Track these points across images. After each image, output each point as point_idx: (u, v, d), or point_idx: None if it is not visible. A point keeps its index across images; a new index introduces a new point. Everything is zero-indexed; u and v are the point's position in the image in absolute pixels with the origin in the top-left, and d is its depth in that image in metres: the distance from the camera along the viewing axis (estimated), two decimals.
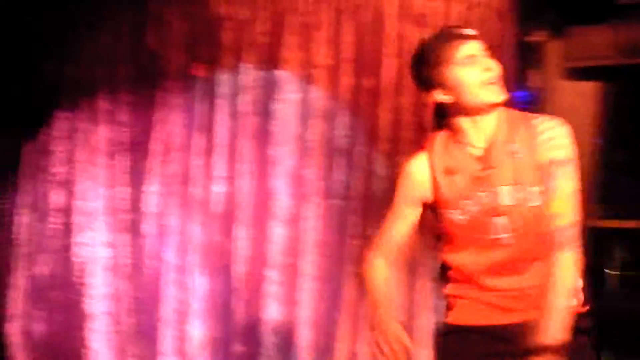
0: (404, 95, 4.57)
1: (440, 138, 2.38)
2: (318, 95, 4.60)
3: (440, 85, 2.29)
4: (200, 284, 4.52)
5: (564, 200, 2.15)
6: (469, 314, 2.32)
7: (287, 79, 4.60)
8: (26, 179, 4.62)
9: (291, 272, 4.49)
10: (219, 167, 4.56)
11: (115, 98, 4.57)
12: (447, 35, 2.30)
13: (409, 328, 4.45)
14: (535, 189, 2.19)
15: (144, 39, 4.61)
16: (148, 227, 4.52)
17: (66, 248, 4.52)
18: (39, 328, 4.48)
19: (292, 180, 4.55)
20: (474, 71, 2.24)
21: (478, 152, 2.26)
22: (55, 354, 4.46)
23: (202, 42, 4.62)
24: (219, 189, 4.55)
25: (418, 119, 4.57)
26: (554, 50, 4.77)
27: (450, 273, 2.38)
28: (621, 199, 4.68)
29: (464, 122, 2.30)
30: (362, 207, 4.52)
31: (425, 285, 4.47)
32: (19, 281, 4.57)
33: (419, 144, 4.36)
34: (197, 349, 4.48)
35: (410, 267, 4.45)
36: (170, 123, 4.58)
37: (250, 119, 4.58)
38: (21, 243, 4.59)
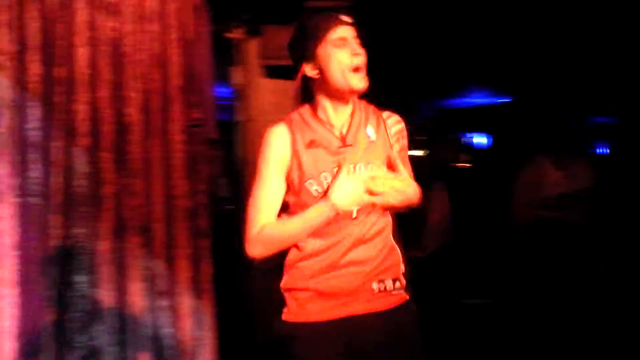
0: (100, 89, 4.38)
1: (300, 113, 2.53)
2: (4, 85, 4.20)
3: (311, 59, 2.47)
4: None
5: (409, 180, 2.41)
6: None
7: None
8: None
9: None
10: None
11: None
12: (326, 16, 2.45)
13: (122, 329, 4.32)
14: (383, 169, 2.40)
15: None
16: None
17: None
18: None
19: None
20: (344, 53, 2.44)
21: (336, 131, 2.46)
22: None
23: None
24: None
25: (116, 113, 4.41)
26: (252, 48, 4.91)
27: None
28: None
29: (326, 101, 2.50)
30: (62, 205, 4.23)
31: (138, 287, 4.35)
32: None
33: (119, 138, 4.34)
34: None
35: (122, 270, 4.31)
36: None
37: None
38: None
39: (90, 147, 4.33)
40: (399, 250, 2.55)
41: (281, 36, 4.73)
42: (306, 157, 2.44)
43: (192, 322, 4.53)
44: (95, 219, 4.32)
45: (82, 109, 4.32)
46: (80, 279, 4.28)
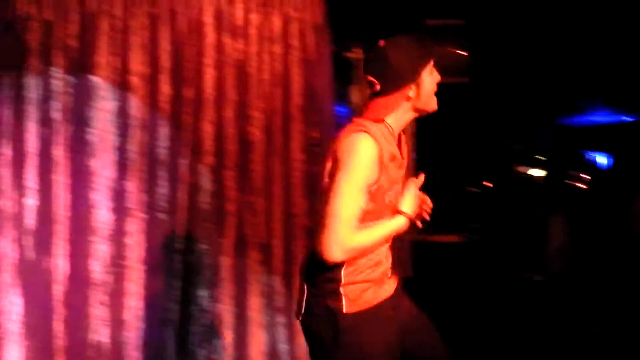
0: (225, 108, 4.51)
1: (374, 126, 2.60)
2: (136, 104, 4.40)
3: (415, 83, 2.62)
4: (15, 305, 4.16)
5: None
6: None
7: (102, 86, 4.36)
8: None
9: (115, 290, 4.26)
10: (31, 178, 4.22)
11: None
12: (425, 41, 2.66)
13: (242, 344, 4.42)
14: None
15: None
16: None
17: None
18: None
19: (112, 193, 4.32)
20: (433, 81, 2.67)
21: (395, 146, 2.70)
22: None
23: (5, 44, 4.24)
24: (31, 201, 4.20)
25: (240, 132, 4.53)
26: None
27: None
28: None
29: (399, 118, 2.68)
30: (187, 221, 4.38)
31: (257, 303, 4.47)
32: None
33: (242, 157, 4.46)
34: None
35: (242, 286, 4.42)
36: None
37: (63, 126, 4.28)
38: None
39: (215, 165, 4.47)
40: None
41: None
42: (389, 169, 2.60)
43: None
44: (218, 235, 4.46)
45: (208, 128, 4.47)
46: (202, 293, 4.42)
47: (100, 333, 4.24)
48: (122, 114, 4.37)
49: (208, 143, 4.46)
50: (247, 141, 4.54)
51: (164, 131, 4.42)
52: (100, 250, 4.28)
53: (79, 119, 4.31)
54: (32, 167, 4.23)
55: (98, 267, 4.27)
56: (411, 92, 2.63)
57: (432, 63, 2.65)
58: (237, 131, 4.52)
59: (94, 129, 4.30)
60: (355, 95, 5.04)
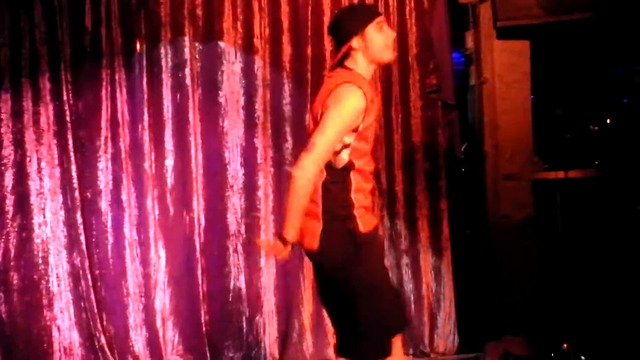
0: None
1: (356, 75, 3.05)
2: (260, 65, 4.66)
3: (359, 35, 3.06)
4: (161, 257, 4.58)
5: None
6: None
7: (228, 50, 4.64)
8: None
9: (250, 240, 4.61)
10: (168, 140, 4.58)
11: (57, 77, 4.45)
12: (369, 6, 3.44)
13: None
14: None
15: (81, 16, 4.49)
16: (103, 203, 4.52)
17: (23, 229, 4.45)
18: (3, 309, 4.44)
19: (243, 150, 4.63)
20: (385, 36, 3.10)
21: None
22: (21, 333, 4.43)
23: (139, 17, 4.57)
24: (170, 162, 4.58)
25: None
26: (485, 12, 4.97)
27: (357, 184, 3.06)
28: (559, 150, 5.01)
29: (368, 67, 3.11)
30: None
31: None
32: None
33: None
34: (162, 321, 4.56)
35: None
36: (116, 99, 4.52)
37: (195, 91, 4.60)
38: None
39: None
40: None
41: None
42: (371, 110, 3.02)
43: (432, 279, 4.83)
44: None
45: None
46: None
47: (238, 279, 4.63)
48: (249, 75, 4.64)
49: None
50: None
51: (287, 89, 4.68)
52: (235, 203, 4.63)
53: (209, 83, 4.62)
54: (169, 131, 4.58)
55: (233, 219, 4.62)
56: (355, 43, 3.06)
57: (380, 22, 3.10)
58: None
59: (223, 91, 4.61)
60: (470, 40, 5.08)
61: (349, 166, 3.00)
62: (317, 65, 4.69)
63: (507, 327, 4.81)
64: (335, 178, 3.00)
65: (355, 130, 2.96)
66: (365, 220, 3.03)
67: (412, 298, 4.80)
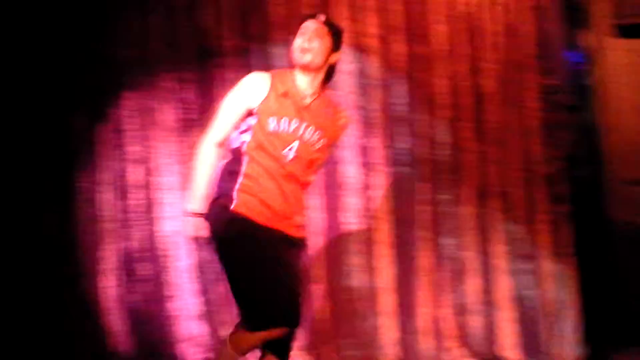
0: (458, 62, 4.64)
1: (286, 72, 3.21)
2: (373, 65, 4.64)
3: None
4: None
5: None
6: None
7: (342, 50, 4.61)
8: (103, 157, 4.63)
9: (367, 239, 4.54)
10: None
11: (178, 76, 4.58)
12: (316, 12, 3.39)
13: (487, 290, 4.56)
14: (321, 142, 3.13)
15: (196, 17, 4.63)
16: None
17: (148, 222, 4.56)
18: (129, 299, 4.53)
19: (358, 150, 4.60)
20: (298, 40, 3.24)
21: (305, 97, 3.15)
22: (146, 324, 4.50)
23: (252, 17, 4.64)
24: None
25: (474, 85, 4.63)
26: (602, 9, 4.84)
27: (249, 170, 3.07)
28: None
29: (298, 68, 3.21)
30: (428, 173, 4.58)
31: (501, 250, 4.59)
32: (107, 255, 4.59)
33: (477, 108, 4.58)
34: None
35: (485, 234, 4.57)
36: None
37: None
38: (105, 219, 4.60)
39: (451, 118, 4.62)
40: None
41: None
42: (272, 99, 3.08)
43: (554, 285, 4.61)
44: (458, 186, 4.60)
45: (442, 83, 4.62)
46: (447, 241, 4.59)
47: (355, 279, 4.54)
48: (363, 75, 4.63)
49: (443, 97, 4.62)
50: (481, 93, 4.64)
51: (401, 89, 4.64)
52: (351, 203, 4.57)
53: None
54: None
55: (349, 218, 4.56)
56: None
57: (302, 26, 3.23)
58: (471, 84, 4.63)
59: (338, 91, 4.59)
60: (586, 39, 4.94)
61: (242, 149, 3.07)
62: (429, 65, 4.64)
63: (633, 338, 4.56)
64: (231, 158, 3.12)
65: (251, 113, 3.06)
66: (243, 201, 3.00)
67: (532, 304, 4.59)
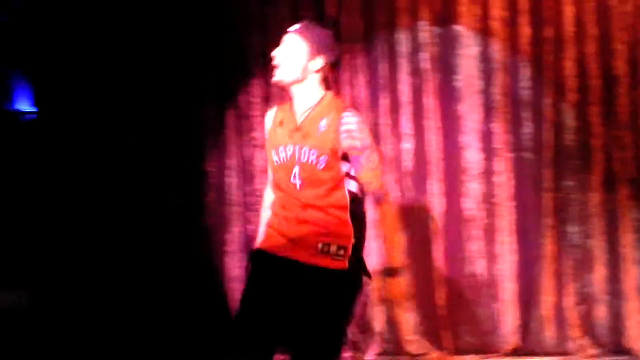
0: (586, 44, 4.50)
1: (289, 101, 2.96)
2: (497, 48, 4.57)
3: None
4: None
5: (369, 173, 2.78)
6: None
7: (465, 34, 4.60)
8: (231, 143, 4.82)
9: (488, 226, 4.53)
10: (406, 124, 4.61)
11: None
12: None
13: (614, 279, 4.43)
14: (323, 157, 2.78)
15: (322, 6, 4.70)
16: None
17: None
18: None
19: (480, 135, 4.56)
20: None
21: (298, 117, 2.88)
22: None
23: (378, 4, 4.67)
24: (407, 146, 4.60)
25: (603, 67, 4.49)
26: None
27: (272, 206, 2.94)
28: None
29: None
30: (553, 159, 4.49)
31: (629, 238, 4.45)
32: (234, 238, 4.78)
33: (607, 91, 4.44)
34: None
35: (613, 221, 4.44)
36: (355, 84, 4.66)
37: (432, 75, 4.61)
38: (233, 203, 4.79)
39: (579, 101, 4.50)
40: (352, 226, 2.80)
41: None
42: (270, 129, 2.92)
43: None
44: (585, 172, 4.49)
45: (569, 66, 4.50)
46: (572, 229, 4.49)
47: (475, 265, 4.53)
48: (485, 59, 4.58)
49: (571, 80, 4.50)
50: (611, 75, 4.49)
51: (526, 72, 4.55)
52: (472, 189, 4.55)
53: (445, 67, 4.61)
54: (406, 114, 4.62)
55: (470, 204, 4.55)
56: None
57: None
58: (600, 66, 4.49)
59: (459, 75, 4.56)
60: None
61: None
62: (556, 47, 4.52)
63: None
64: None
65: None
66: (266, 236, 2.90)
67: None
